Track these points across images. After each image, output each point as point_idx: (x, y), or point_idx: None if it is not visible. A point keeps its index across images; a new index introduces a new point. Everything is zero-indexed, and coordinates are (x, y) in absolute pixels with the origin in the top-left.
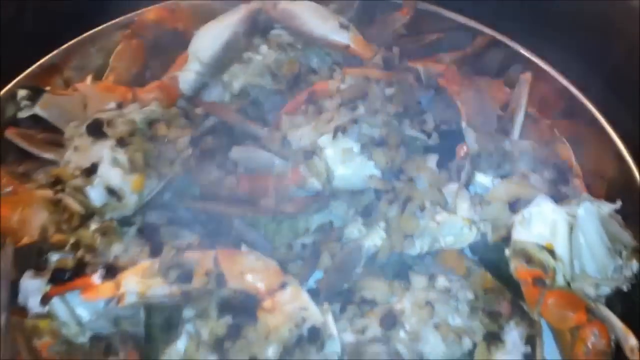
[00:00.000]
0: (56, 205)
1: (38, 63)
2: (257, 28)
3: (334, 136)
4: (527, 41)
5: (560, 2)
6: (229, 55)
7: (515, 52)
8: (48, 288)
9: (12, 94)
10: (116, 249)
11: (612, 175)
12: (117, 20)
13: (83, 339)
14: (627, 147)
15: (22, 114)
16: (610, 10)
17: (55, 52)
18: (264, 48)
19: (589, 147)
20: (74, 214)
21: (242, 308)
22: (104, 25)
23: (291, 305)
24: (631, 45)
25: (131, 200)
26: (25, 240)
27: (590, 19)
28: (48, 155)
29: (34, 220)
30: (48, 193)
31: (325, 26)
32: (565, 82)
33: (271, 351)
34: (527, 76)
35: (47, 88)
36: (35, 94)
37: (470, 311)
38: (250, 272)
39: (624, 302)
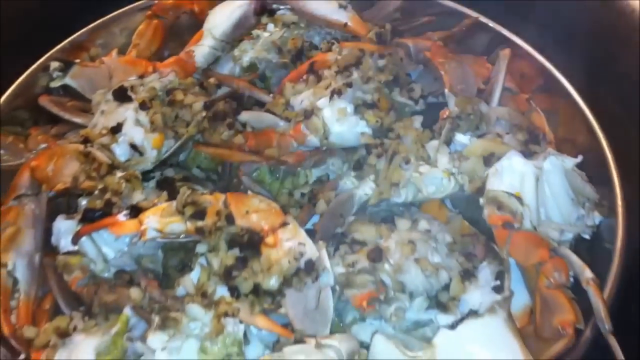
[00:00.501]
0: (86, 157)
1: (68, 40)
2: (265, 8)
3: (331, 98)
4: (511, 24)
5: None
6: (240, 32)
7: (499, 34)
8: (79, 227)
9: (45, 66)
10: (138, 196)
11: (582, 141)
12: (139, 2)
13: (108, 274)
14: (595, 118)
15: (54, 84)
16: None
17: (83, 30)
18: (270, 26)
19: (562, 118)
20: (102, 164)
21: (248, 243)
22: (127, 7)
23: (290, 241)
24: (600, 27)
25: (151, 156)
26: (59, 186)
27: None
28: (77, 119)
29: (67, 170)
30: (79, 147)
31: (326, 6)
32: (544, 60)
33: (273, 280)
34: (506, 52)
35: (77, 61)
36: (66, 66)
37: (448, 251)
38: (256, 212)
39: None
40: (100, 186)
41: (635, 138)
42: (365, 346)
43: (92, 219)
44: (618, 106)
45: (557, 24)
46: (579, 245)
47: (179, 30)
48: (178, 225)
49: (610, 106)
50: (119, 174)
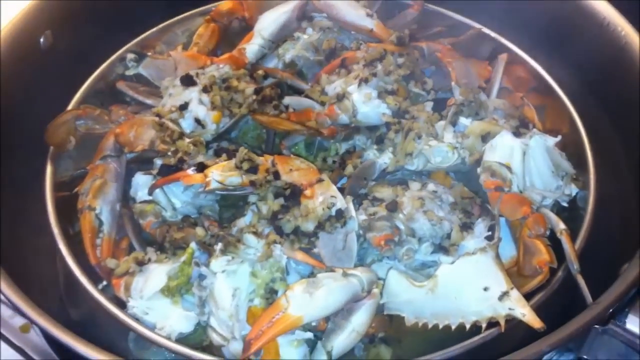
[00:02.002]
0: (160, 126)
1: (140, 37)
2: (305, 15)
3: (359, 85)
4: (510, 34)
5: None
6: (284, 34)
7: (499, 43)
8: (155, 180)
9: (122, 58)
10: (201, 158)
11: (565, 131)
12: (200, 9)
13: (176, 219)
14: (577, 113)
15: (129, 72)
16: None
17: (152, 30)
18: (309, 30)
19: (550, 112)
20: (174, 131)
21: (290, 194)
22: (189, 12)
23: (324, 194)
24: (588, 38)
25: (211, 129)
26: (140, 147)
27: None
28: (148, 100)
29: (145, 136)
30: (154, 118)
31: (356, 15)
32: (537, 65)
33: (309, 224)
34: (503, 56)
35: (149, 53)
36: (140, 57)
37: (450, 209)
38: (297, 170)
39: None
40: (172, 148)
41: (607, 130)
42: (382, 280)
43: (167, 172)
44: (597, 104)
45: (550, 34)
46: (559, 212)
47: (231, 34)
48: (236, 179)
49: (590, 104)
50: (187, 140)
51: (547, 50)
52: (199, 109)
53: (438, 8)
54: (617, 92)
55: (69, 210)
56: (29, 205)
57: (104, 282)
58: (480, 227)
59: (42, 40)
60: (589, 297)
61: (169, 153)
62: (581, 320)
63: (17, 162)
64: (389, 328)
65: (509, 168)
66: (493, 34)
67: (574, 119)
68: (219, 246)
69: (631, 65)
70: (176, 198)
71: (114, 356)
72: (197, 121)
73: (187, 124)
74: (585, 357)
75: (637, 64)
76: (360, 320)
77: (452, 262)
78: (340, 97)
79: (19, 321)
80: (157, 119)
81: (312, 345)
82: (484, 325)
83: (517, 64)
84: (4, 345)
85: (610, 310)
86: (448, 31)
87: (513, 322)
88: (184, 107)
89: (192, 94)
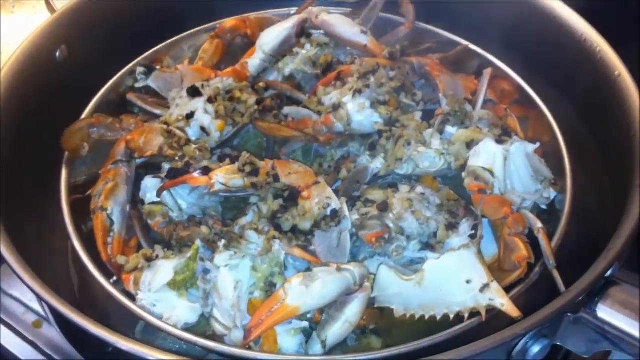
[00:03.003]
0: (169, 133)
1: (149, 52)
2: (304, 31)
3: (353, 95)
4: (496, 51)
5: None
6: (284, 49)
7: (485, 59)
8: (163, 183)
9: (132, 71)
10: (206, 162)
11: (545, 141)
12: (205, 26)
13: (182, 219)
14: (557, 124)
15: (138, 84)
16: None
17: (160, 45)
18: (307, 45)
19: (532, 123)
20: (181, 138)
21: (289, 196)
22: (195, 29)
23: (320, 195)
24: (567, 53)
25: (215, 136)
26: (149, 152)
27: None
28: (156, 111)
29: (154, 142)
30: (163, 126)
31: (351, 31)
32: (519, 79)
33: (306, 223)
34: (488, 70)
35: (157, 67)
36: (149, 70)
37: (437, 210)
38: (295, 173)
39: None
40: (179, 154)
41: (586, 138)
42: (373, 275)
43: (174, 175)
44: (575, 114)
45: (532, 50)
46: (539, 215)
47: (234, 50)
48: (238, 181)
49: (569, 114)
50: (194, 145)
51: (529, 65)
52: (204, 118)
53: (428, 26)
54: (594, 103)
55: (82, 211)
56: (46, 206)
57: (115, 278)
58: (465, 226)
59: (58, 54)
60: (562, 288)
61: (177, 158)
62: (554, 306)
63: (35, 167)
64: (379, 320)
65: (491, 172)
66: (479, 51)
67: (553, 128)
68: (222, 242)
69: (606, 77)
70: (182, 200)
71: (131, 340)
72: (203, 129)
73: (193, 132)
74: (558, 343)
75: (612, 76)
76: (352, 311)
77: (438, 258)
78: (336, 107)
79: (30, 317)
80: (165, 126)
81: (307, 335)
82: (466, 315)
83: (501, 78)
84: (17, 340)
85: (581, 297)
86: (437, 47)
87: (493, 313)
88: (190, 116)
89: (198, 104)
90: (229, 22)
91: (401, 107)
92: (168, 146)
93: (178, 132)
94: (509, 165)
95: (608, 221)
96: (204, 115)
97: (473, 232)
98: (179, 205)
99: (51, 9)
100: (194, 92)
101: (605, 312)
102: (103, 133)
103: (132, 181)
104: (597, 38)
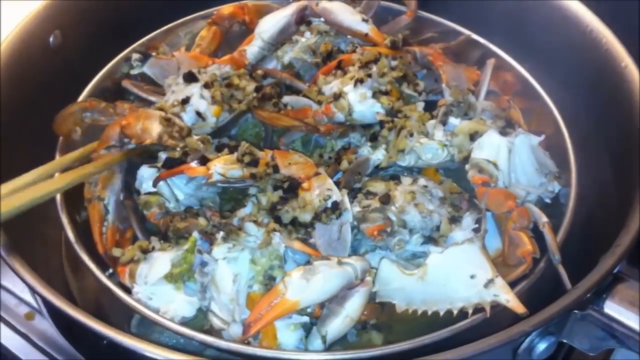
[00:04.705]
0: (168, 121)
1: (144, 38)
2: (304, 19)
3: (355, 85)
4: (499, 41)
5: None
6: (283, 37)
7: (488, 49)
8: (160, 173)
9: (127, 57)
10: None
11: (549, 133)
12: (202, 12)
13: (179, 210)
14: (561, 115)
15: (134, 71)
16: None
17: (156, 32)
18: (307, 33)
19: (535, 115)
20: (183, 128)
21: (289, 187)
22: (192, 15)
23: (321, 187)
24: (569, 44)
25: (211, 122)
26: (148, 141)
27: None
28: (152, 98)
29: (152, 129)
30: (161, 113)
31: (352, 20)
32: (522, 70)
33: (307, 215)
34: (491, 61)
35: (154, 53)
36: (144, 57)
37: (440, 203)
38: (295, 164)
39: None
40: (181, 144)
41: (590, 131)
42: (374, 269)
43: (171, 165)
44: (580, 107)
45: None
46: (543, 208)
47: (231, 38)
48: (237, 171)
49: (574, 107)
50: (195, 137)
51: (533, 56)
52: (200, 103)
53: (430, 15)
54: (600, 94)
55: (75, 198)
56: None
57: (110, 270)
58: (468, 220)
59: (51, 39)
60: (568, 284)
61: (178, 149)
62: (561, 303)
63: (28, 154)
64: (380, 315)
65: (495, 165)
66: (482, 40)
67: (557, 120)
68: (220, 234)
69: (613, 69)
70: (179, 190)
71: (125, 334)
72: (198, 114)
73: (188, 117)
74: (565, 340)
75: (618, 68)
76: (353, 306)
77: (442, 252)
78: (337, 97)
79: (23, 309)
80: (163, 114)
81: (307, 330)
82: (470, 311)
83: (504, 69)
84: (10, 332)
85: (588, 295)
86: (439, 37)
87: (498, 308)
88: (185, 101)
89: (194, 89)
90: (226, 8)
91: (403, 98)
92: (168, 135)
93: (178, 121)
94: (513, 158)
95: (613, 216)
96: (200, 100)
97: (476, 225)
98: (176, 196)
99: None
100: (190, 78)
101: (613, 309)
102: (96, 117)
103: (125, 167)
104: (602, 29)
